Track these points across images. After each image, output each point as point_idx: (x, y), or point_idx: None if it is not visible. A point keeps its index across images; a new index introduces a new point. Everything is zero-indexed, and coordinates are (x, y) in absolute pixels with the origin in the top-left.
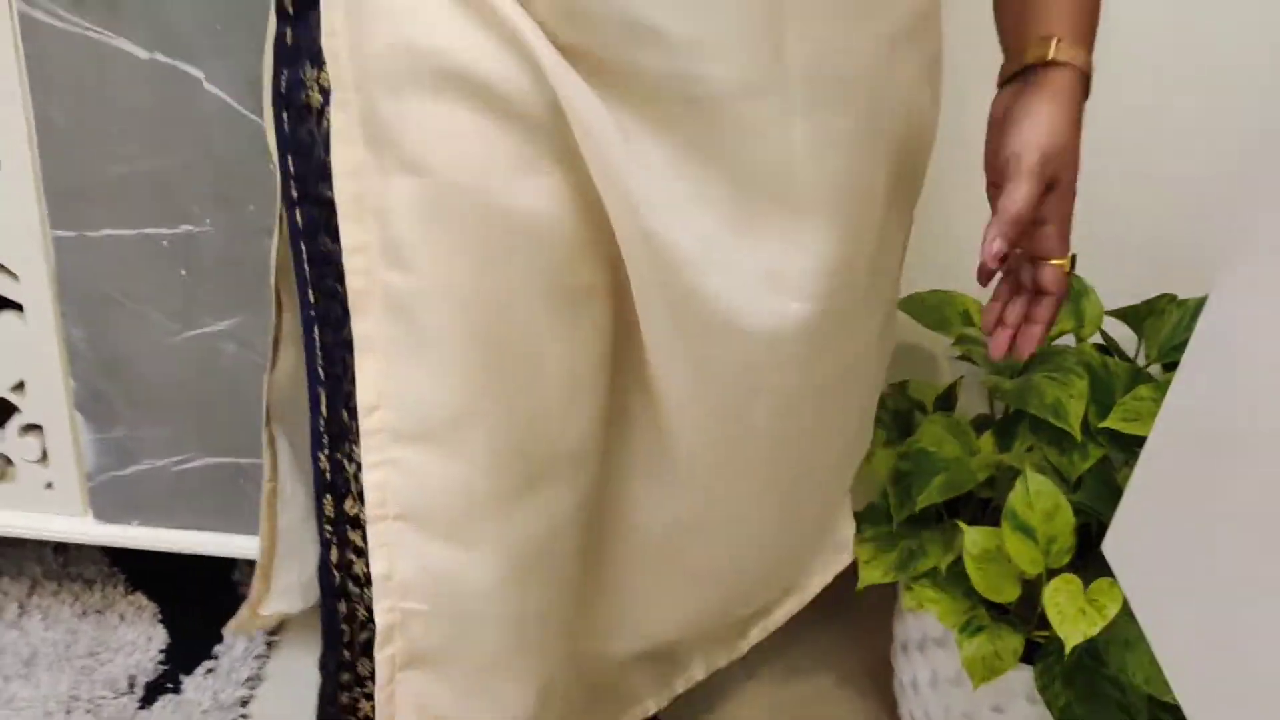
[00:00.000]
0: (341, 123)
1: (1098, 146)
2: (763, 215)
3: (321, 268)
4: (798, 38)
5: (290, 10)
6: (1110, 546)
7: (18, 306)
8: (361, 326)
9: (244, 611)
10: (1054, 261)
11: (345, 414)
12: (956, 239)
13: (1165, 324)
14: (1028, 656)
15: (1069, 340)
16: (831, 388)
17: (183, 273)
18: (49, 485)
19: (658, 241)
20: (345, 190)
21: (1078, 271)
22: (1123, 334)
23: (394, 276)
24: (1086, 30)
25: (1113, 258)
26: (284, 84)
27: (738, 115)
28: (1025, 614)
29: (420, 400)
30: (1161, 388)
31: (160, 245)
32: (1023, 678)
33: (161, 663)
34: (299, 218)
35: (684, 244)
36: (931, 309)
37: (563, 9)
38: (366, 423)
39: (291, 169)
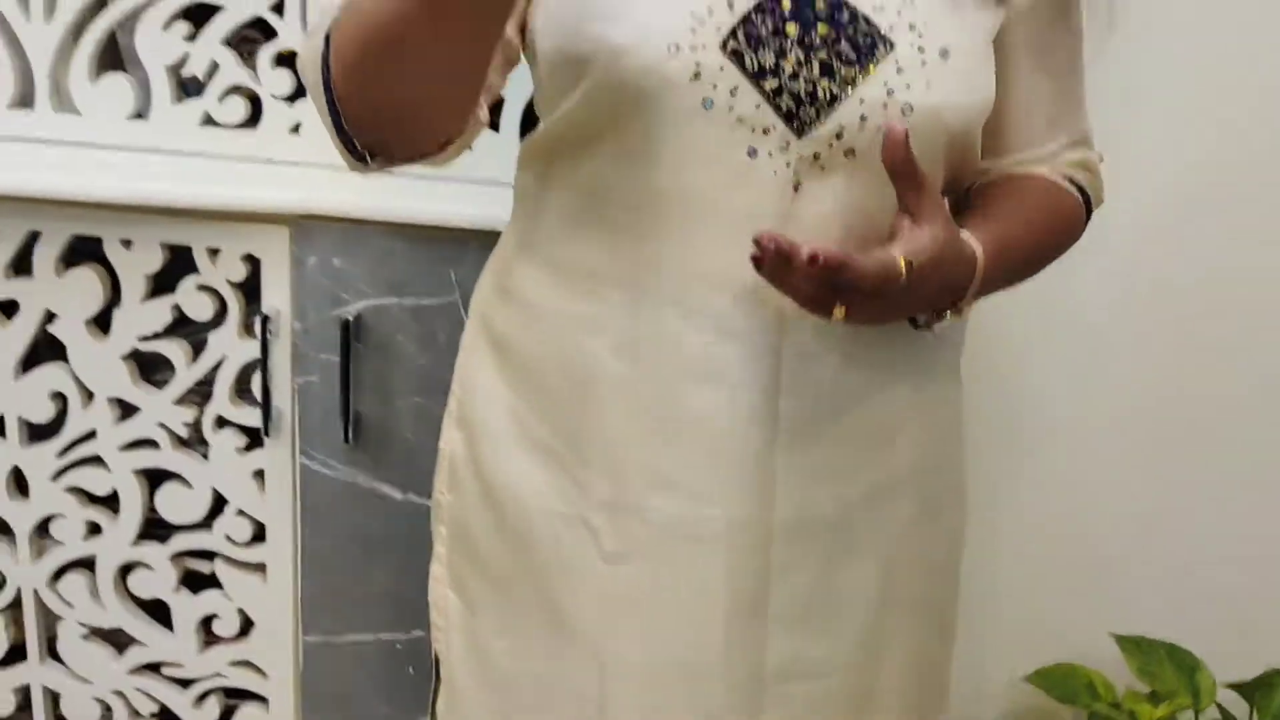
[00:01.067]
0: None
1: (1210, 533)
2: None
3: None
4: (785, 493)
5: None
6: None
7: (263, 699)
8: None
9: None
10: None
11: None
12: (1070, 614)
13: (1276, 697)
14: None
15: (1188, 715)
16: None
17: (410, 671)
18: None
19: None
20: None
21: (1194, 649)
22: (1239, 708)
23: None
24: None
25: (1225, 635)
26: None
27: (729, 544)
28: None
29: None
30: None
31: (394, 648)
32: None
33: None
34: None
35: None
36: (1058, 682)
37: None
38: None
39: None
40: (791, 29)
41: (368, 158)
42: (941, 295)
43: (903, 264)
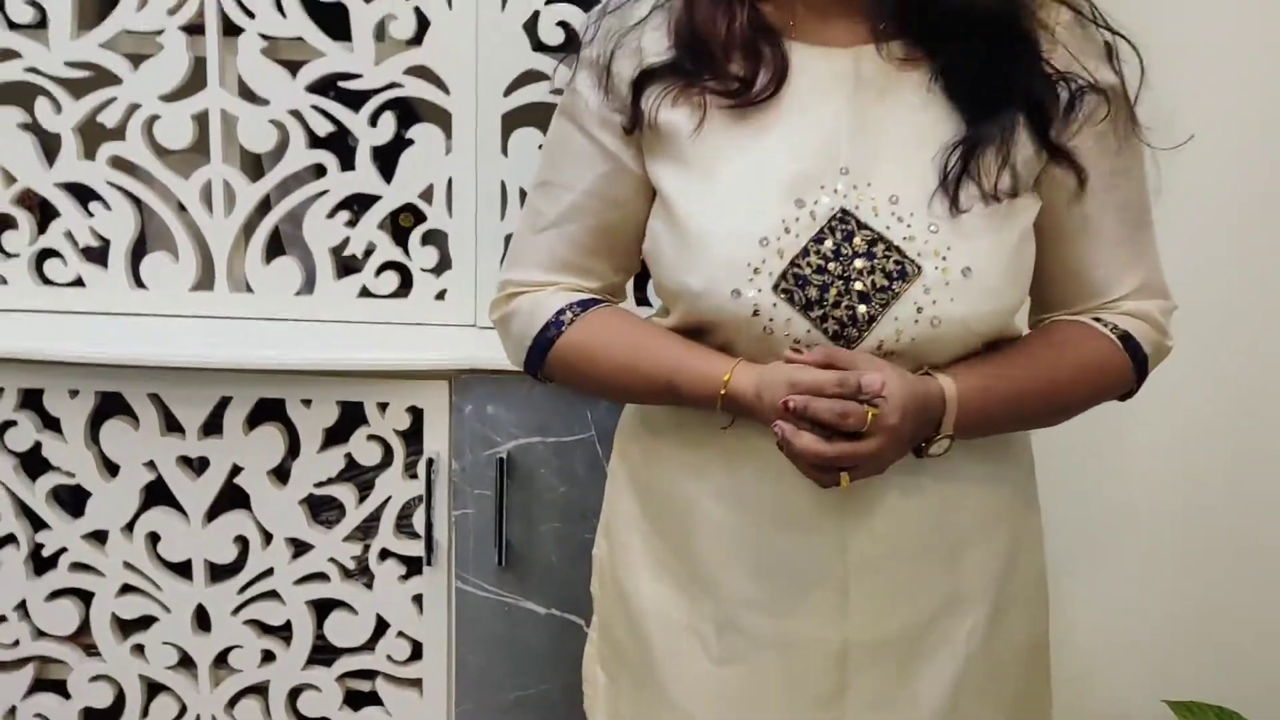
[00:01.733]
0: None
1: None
2: None
3: None
4: (858, 614)
5: None
6: None
7: None
8: None
9: None
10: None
11: None
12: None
13: None
14: None
15: None
16: None
17: None
18: None
19: None
20: None
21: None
22: None
23: None
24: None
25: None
26: None
27: (811, 654)
28: None
29: None
30: None
31: None
32: None
33: None
34: None
35: None
36: None
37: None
38: None
39: None
40: (833, 267)
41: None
42: (921, 427)
43: (869, 413)
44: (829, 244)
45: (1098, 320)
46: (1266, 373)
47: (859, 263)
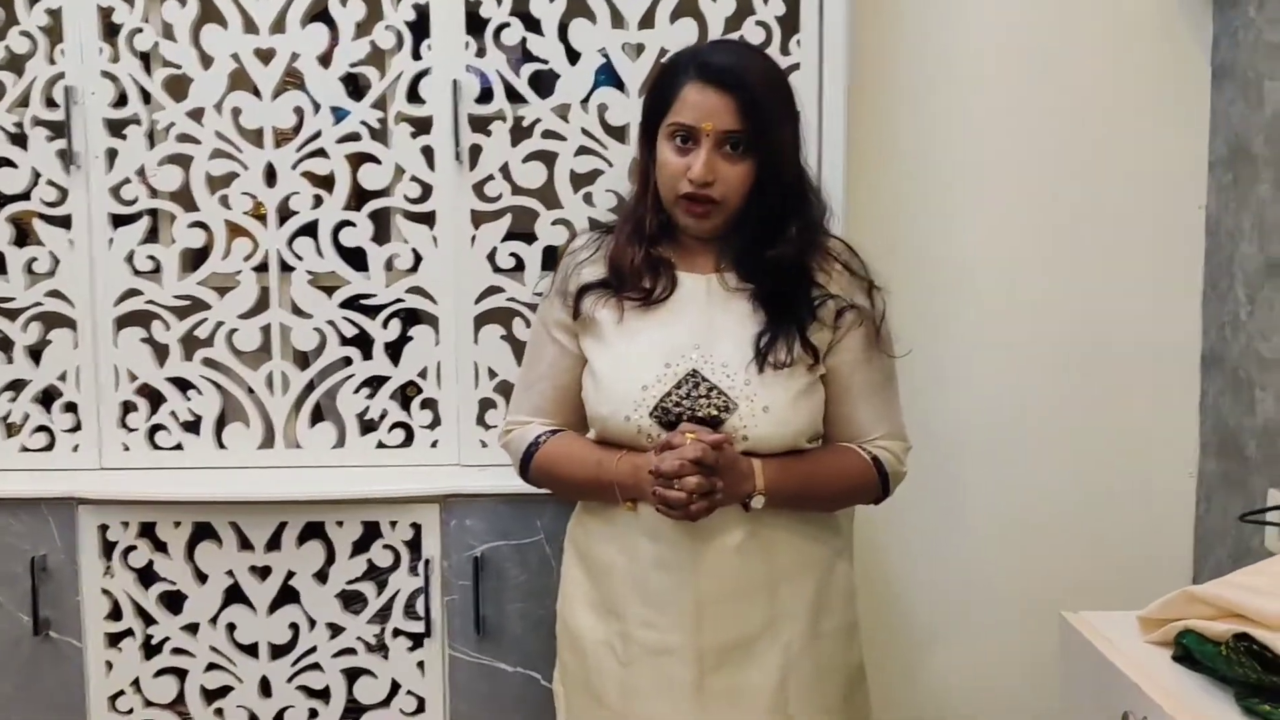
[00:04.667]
0: (556, 676)
1: None
2: None
3: None
4: (709, 627)
5: None
6: None
7: None
8: None
9: None
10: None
11: None
12: None
13: None
14: None
15: None
16: None
17: None
18: None
19: None
20: None
21: None
22: None
23: None
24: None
25: None
26: None
27: (681, 656)
28: None
29: None
30: None
31: None
32: None
33: None
34: None
35: None
36: None
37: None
38: None
39: None
40: (686, 403)
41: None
42: (740, 485)
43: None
44: (684, 389)
45: (861, 448)
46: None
47: (702, 401)
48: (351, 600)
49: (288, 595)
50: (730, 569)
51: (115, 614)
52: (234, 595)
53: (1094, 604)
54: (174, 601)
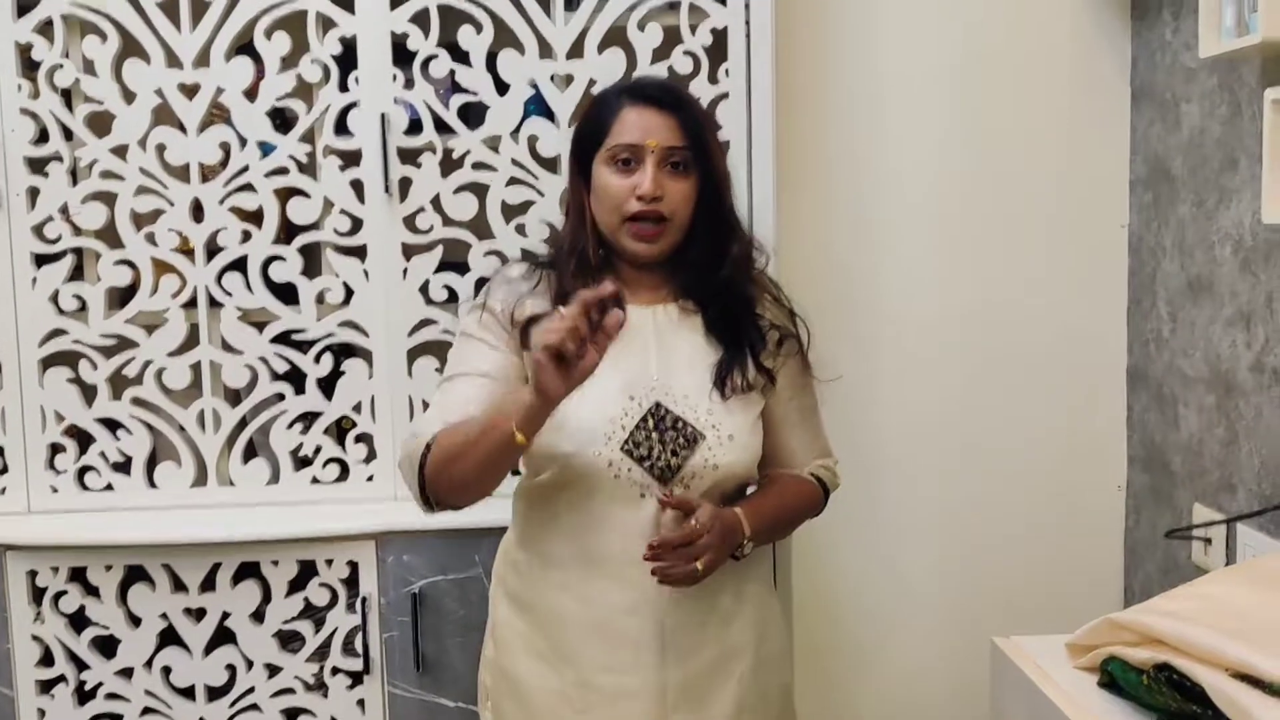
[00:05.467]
0: None
1: None
2: None
3: None
4: (672, 666)
5: None
6: None
7: None
8: None
9: None
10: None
11: None
12: None
13: None
14: None
15: None
16: None
17: None
18: None
19: None
20: None
21: None
22: None
23: None
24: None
25: None
26: None
27: (644, 697)
28: None
29: None
30: None
31: None
32: None
33: None
34: None
35: None
36: None
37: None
38: None
39: None
40: (654, 435)
41: (435, 508)
42: (731, 540)
43: (703, 529)
44: (650, 422)
45: (808, 473)
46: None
47: (669, 434)
48: (289, 639)
49: (224, 636)
50: (691, 602)
51: (47, 660)
52: (169, 638)
53: (1027, 620)
54: (107, 646)
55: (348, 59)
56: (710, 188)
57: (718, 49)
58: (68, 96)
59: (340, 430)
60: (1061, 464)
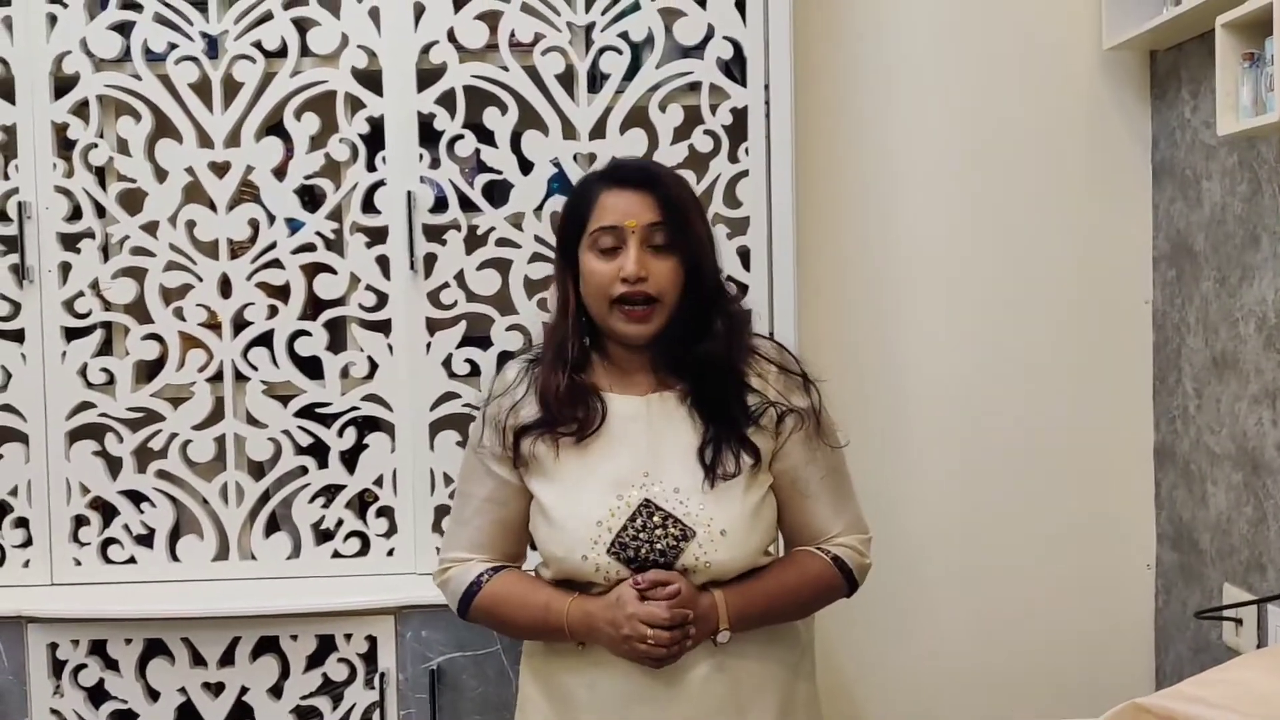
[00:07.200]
0: None
1: None
2: None
3: None
4: None
5: None
6: None
7: None
8: None
9: None
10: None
11: None
12: None
13: None
14: None
15: None
16: None
17: None
18: None
19: None
20: None
21: None
22: None
23: None
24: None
25: None
26: None
27: None
28: None
29: None
30: None
31: None
32: None
33: None
34: None
35: None
36: None
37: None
38: None
39: None
40: (643, 535)
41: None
42: (706, 622)
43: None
44: (639, 521)
45: (820, 549)
46: None
47: (658, 531)
48: (307, 716)
49: (242, 712)
50: (698, 697)
51: None
52: (187, 713)
53: (1058, 701)
54: None
55: (375, 138)
56: (692, 264)
57: (738, 128)
58: (101, 175)
59: (362, 504)
60: (1090, 542)
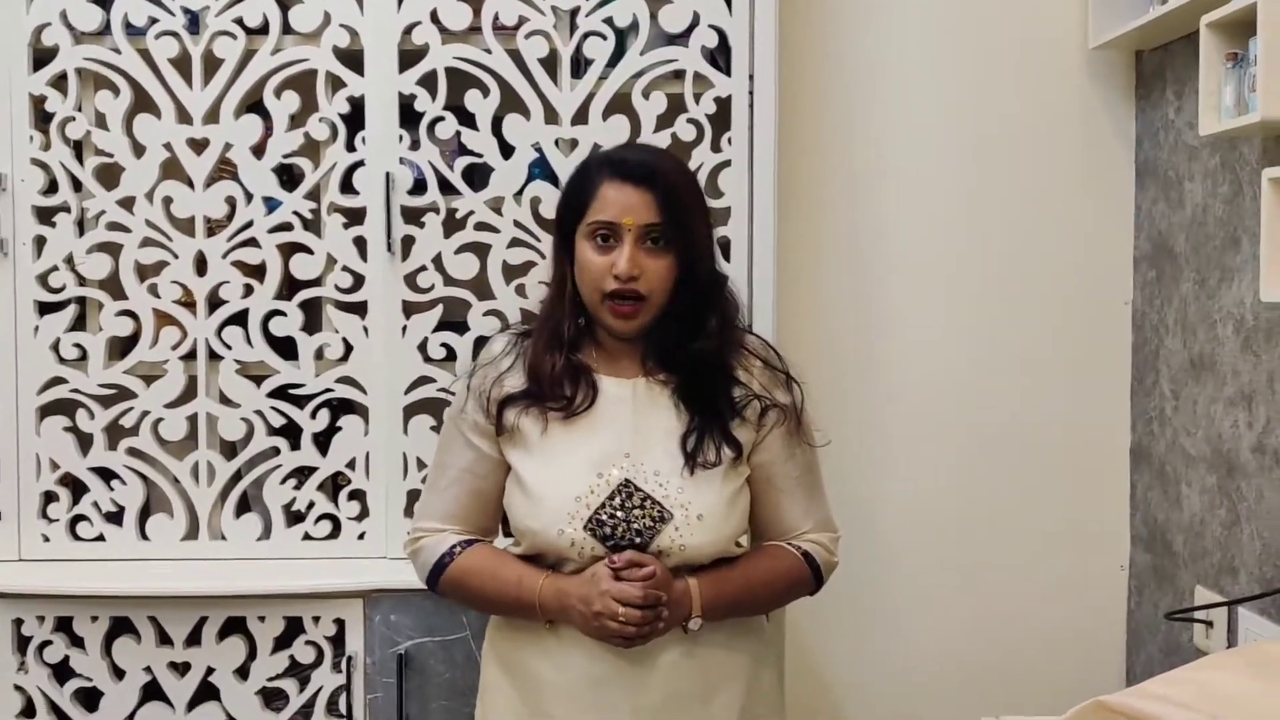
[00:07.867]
0: None
1: None
2: None
3: None
4: None
5: None
6: None
7: None
8: None
9: None
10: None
11: None
12: None
13: None
14: None
15: None
16: None
17: None
18: None
19: None
20: None
21: None
22: None
23: None
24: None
25: None
26: None
27: None
28: None
29: None
30: None
31: None
32: None
33: None
34: None
35: None
36: None
37: None
38: None
39: None
40: (620, 514)
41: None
42: (679, 607)
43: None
44: (618, 500)
45: (791, 544)
46: None
47: (636, 511)
48: (273, 698)
49: (207, 692)
50: (666, 682)
51: (29, 711)
52: (152, 692)
53: (1028, 699)
54: (90, 698)
55: (355, 119)
56: (688, 262)
57: (721, 117)
58: (78, 148)
59: (335, 486)
60: (1065, 543)
